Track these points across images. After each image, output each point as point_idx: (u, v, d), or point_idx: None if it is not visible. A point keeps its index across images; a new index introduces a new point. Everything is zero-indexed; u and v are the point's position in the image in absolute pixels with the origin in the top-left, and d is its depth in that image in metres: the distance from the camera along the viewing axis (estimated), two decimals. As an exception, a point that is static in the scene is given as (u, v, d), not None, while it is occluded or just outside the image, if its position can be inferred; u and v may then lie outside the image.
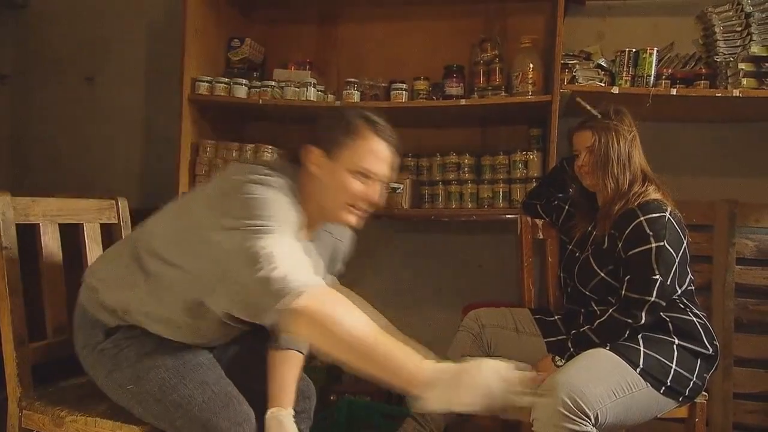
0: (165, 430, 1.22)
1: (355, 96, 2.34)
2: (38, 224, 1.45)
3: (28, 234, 1.43)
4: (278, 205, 1.11)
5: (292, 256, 1.05)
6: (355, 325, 0.98)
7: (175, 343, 1.27)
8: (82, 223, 1.58)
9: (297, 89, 2.33)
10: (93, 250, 1.59)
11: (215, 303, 1.16)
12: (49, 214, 1.47)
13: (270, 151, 2.41)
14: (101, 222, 1.64)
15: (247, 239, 1.04)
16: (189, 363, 1.24)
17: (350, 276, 2.68)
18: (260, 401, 1.27)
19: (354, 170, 1.21)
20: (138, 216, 1.77)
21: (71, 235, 1.56)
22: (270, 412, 1.29)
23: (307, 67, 2.50)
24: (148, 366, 1.22)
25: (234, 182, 1.13)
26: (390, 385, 0.96)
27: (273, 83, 2.36)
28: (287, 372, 1.34)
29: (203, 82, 2.34)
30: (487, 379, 0.94)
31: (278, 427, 1.27)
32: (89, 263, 1.57)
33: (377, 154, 1.22)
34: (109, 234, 1.68)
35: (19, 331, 1.34)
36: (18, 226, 1.37)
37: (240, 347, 1.44)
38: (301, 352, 1.39)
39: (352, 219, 1.25)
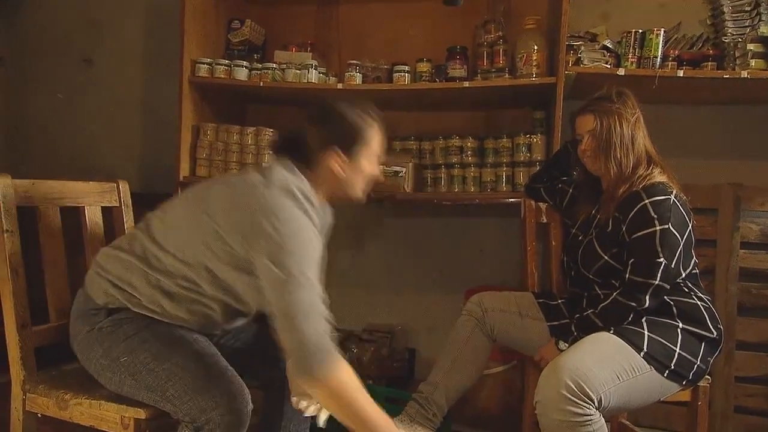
0: (156, 404, 1.23)
1: (357, 78, 2.31)
2: (39, 207, 1.44)
3: (29, 217, 1.42)
4: (307, 239, 1.22)
5: (321, 316, 1.18)
6: (367, 408, 1.18)
7: (172, 324, 1.29)
8: (83, 206, 1.57)
9: (298, 71, 2.30)
10: (94, 233, 1.59)
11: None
12: (50, 197, 1.47)
13: (271, 133, 2.39)
14: (102, 205, 1.63)
15: (283, 290, 1.16)
16: (184, 337, 1.28)
17: (353, 260, 2.70)
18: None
19: (373, 160, 1.41)
20: (139, 199, 1.76)
21: (72, 218, 1.55)
22: None
23: (309, 48, 2.48)
24: (143, 338, 1.25)
25: (262, 203, 1.20)
26: None
27: (274, 65, 2.34)
28: None
29: (203, 64, 2.32)
30: None
31: None
32: (90, 246, 1.57)
33: (383, 142, 1.43)
34: (110, 217, 1.68)
35: (21, 314, 1.34)
36: (19, 208, 1.37)
37: (237, 341, 1.49)
38: None
39: (364, 196, 1.44)
